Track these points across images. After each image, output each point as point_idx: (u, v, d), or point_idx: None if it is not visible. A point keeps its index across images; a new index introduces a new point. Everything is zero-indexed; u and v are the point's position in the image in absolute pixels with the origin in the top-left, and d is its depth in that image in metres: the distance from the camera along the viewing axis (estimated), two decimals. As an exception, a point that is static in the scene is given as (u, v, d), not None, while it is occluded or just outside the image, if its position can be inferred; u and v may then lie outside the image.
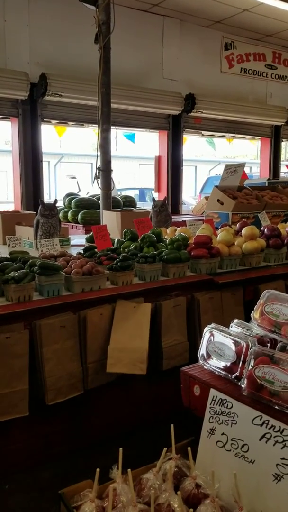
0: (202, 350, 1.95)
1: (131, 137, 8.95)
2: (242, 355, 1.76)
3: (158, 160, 8.05)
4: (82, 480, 1.74)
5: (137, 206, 7.18)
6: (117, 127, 7.50)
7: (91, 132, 7.92)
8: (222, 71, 8.16)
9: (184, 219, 5.78)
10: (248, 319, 2.08)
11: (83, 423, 2.88)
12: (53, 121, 6.92)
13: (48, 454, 2.75)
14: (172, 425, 1.75)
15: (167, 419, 1.91)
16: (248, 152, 20.78)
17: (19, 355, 2.49)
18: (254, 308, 1.99)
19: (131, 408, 3.05)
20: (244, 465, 1.60)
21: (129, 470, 1.61)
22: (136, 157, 19.70)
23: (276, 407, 1.59)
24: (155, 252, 3.22)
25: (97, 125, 5.20)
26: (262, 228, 3.91)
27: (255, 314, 1.95)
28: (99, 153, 5.17)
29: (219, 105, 7.82)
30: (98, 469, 1.60)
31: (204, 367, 1.92)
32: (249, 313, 2.06)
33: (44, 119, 6.54)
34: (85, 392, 2.75)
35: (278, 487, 1.51)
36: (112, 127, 5.34)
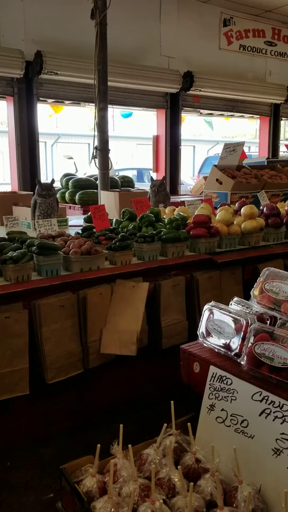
0: (202, 328, 1.95)
1: (128, 116, 8.83)
2: (242, 332, 1.77)
3: (156, 139, 7.96)
4: (83, 456, 1.75)
5: (135, 186, 7.13)
6: (114, 106, 7.40)
7: (88, 112, 7.82)
8: (220, 48, 8.01)
9: (182, 199, 5.75)
10: (247, 298, 2.08)
11: (84, 401, 2.91)
12: (49, 100, 6.81)
13: (49, 431, 2.78)
14: (172, 402, 1.76)
15: (167, 396, 1.92)
16: (247, 132, 20.58)
17: (19, 335, 2.49)
18: (254, 286, 1.98)
19: (131, 386, 3.08)
20: (243, 440, 1.62)
21: (129, 445, 1.62)
22: (134, 137, 19.50)
23: (276, 383, 1.60)
24: (154, 232, 3.21)
25: (94, 104, 5.13)
26: (261, 207, 3.89)
27: (254, 292, 1.95)
28: (96, 132, 5.10)
29: (217, 83, 7.69)
30: (99, 445, 1.62)
31: (204, 344, 1.92)
32: (248, 293, 2.06)
33: (40, 98, 6.43)
34: (86, 370, 2.77)
35: (278, 462, 1.52)
36: (109, 106, 5.26)
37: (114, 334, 2.79)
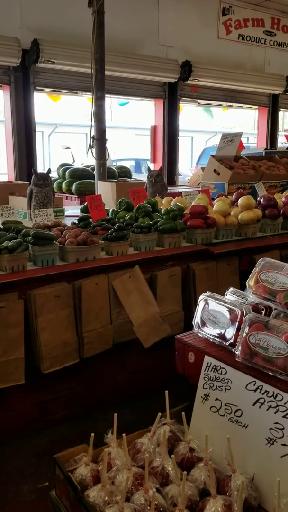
0: (197, 318, 1.94)
1: (124, 104, 8.77)
2: (237, 322, 1.76)
3: (154, 130, 7.92)
4: (78, 445, 1.76)
5: (133, 177, 7.10)
6: (111, 95, 7.35)
7: (86, 102, 7.74)
8: (219, 37, 7.95)
9: (180, 190, 5.73)
10: (243, 289, 2.07)
11: (79, 390, 2.91)
12: (46, 89, 6.76)
13: (44, 421, 2.79)
14: (166, 391, 1.76)
15: (162, 386, 1.92)
16: (245, 123, 20.48)
17: (14, 324, 2.49)
18: (249, 276, 1.97)
19: (126, 376, 3.09)
20: (237, 430, 1.62)
21: (123, 434, 1.63)
22: (132, 127, 19.38)
23: (270, 373, 1.60)
24: (151, 222, 3.20)
25: (91, 93, 5.09)
26: (258, 198, 3.88)
27: (250, 282, 1.94)
28: (93, 122, 5.07)
29: (216, 73, 7.64)
30: (92, 434, 1.62)
31: (199, 334, 1.92)
32: (244, 283, 2.05)
33: (37, 87, 6.38)
34: (81, 360, 2.77)
35: (271, 451, 1.53)
36: (106, 95, 5.23)
37: (143, 328, 2.88)
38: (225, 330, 1.81)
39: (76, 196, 5.90)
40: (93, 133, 5.09)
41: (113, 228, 3.05)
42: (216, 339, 1.84)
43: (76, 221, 3.37)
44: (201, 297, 1.96)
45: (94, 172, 5.35)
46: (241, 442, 1.59)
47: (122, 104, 8.82)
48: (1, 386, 2.49)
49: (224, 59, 7.92)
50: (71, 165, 7.06)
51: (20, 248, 2.60)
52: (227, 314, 1.83)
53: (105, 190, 4.70)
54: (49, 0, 6.13)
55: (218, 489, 1.52)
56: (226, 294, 2.03)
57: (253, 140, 14.28)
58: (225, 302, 1.88)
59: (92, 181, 5.63)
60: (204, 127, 21.26)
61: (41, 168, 7.80)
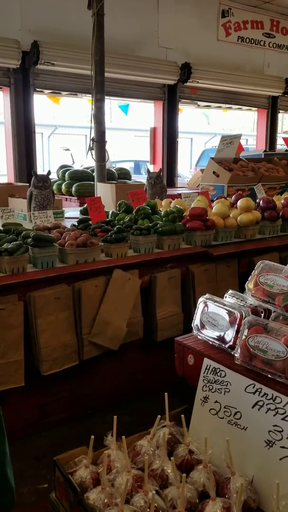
0: (196, 320, 1.95)
1: (125, 108, 8.78)
2: (236, 325, 1.77)
3: (153, 131, 7.93)
4: (77, 447, 1.76)
5: (132, 179, 7.11)
6: (111, 97, 7.35)
7: (85, 104, 7.75)
8: (218, 39, 7.96)
9: (179, 191, 5.74)
10: (242, 291, 2.08)
11: (79, 393, 2.92)
12: (46, 91, 6.77)
13: (44, 423, 2.79)
14: (166, 394, 1.76)
15: (161, 388, 1.92)
16: (244, 125, 20.50)
17: (14, 326, 2.49)
18: (249, 279, 1.98)
19: (126, 378, 3.09)
20: (236, 432, 1.63)
21: (123, 437, 1.63)
22: (131, 129, 19.39)
23: (269, 376, 1.60)
24: (150, 224, 3.21)
25: (90, 95, 5.10)
26: (257, 200, 3.89)
27: (249, 285, 1.95)
28: (92, 124, 5.08)
29: (215, 75, 7.65)
30: (92, 436, 1.62)
31: (198, 337, 1.93)
32: (244, 285, 2.06)
33: (37, 89, 6.39)
34: (81, 362, 2.78)
35: (270, 453, 1.53)
36: (106, 97, 5.24)
37: (104, 325, 2.80)
38: (225, 333, 1.82)
39: (76, 198, 5.90)
40: (92, 135, 5.10)
41: (113, 230, 3.06)
42: (216, 341, 1.85)
43: (75, 223, 3.37)
44: (201, 299, 1.96)
45: (94, 174, 5.36)
46: (240, 445, 1.60)
47: (123, 108, 8.81)
48: (1, 388, 2.50)
49: (224, 61, 7.93)
50: (71, 166, 7.07)
51: (20, 250, 2.61)
52: (227, 317, 1.83)
53: (104, 192, 4.71)
54: (49, 2, 6.14)
55: (217, 492, 1.52)
56: (226, 297, 2.04)
57: (252, 141, 14.31)
58: (225, 305, 1.89)
59: (92, 182, 5.64)
60: (203, 128, 21.28)
61: (40, 170, 7.82)
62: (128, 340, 2.93)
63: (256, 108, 9.22)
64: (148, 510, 1.41)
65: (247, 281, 1.98)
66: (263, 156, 5.94)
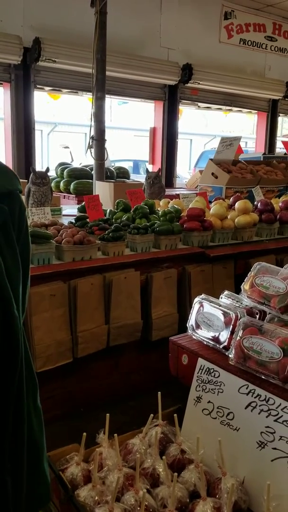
0: (191, 320, 1.95)
1: (123, 103, 8.77)
2: (231, 326, 1.77)
3: (153, 131, 7.93)
4: (69, 445, 1.76)
5: (131, 178, 7.11)
6: (111, 96, 7.35)
7: (86, 102, 7.75)
8: (220, 41, 7.97)
9: (177, 192, 5.74)
10: (238, 292, 2.08)
11: (72, 390, 2.91)
12: (47, 88, 6.76)
13: (36, 420, 2.78)
14: (159, 393, 1.76)
15: (155, 387, 1.92)
16: (244, 127, 20.54)
17: (9, 323, 2.48)
18: (245, 280, 1.98)
19: (119, 376, 3.09)
20: (229, 433, 1.63)
21: (115, 435, 1.63)
22: (131, 128, 19.40)
23: (263, 377, 1.60)
24: (148, 224, 3.21)
25: (91, 93, 5.09)
26: (255, 203, 3.90)
27: (245, 286, 1.95)
28: (92, 122, 5.07)
29: (216, 77, 7.66)
30: (84, 434, 1.62)
31: (193, 337, 1.93)
32: (239, 287, 2.06)
33: (37, 86, 6.38)
34: (75, 360, 2.77)
35: (262, 454, 1.54)
36: (106, 95, 5.24)
37: (120, 329, 2.91)
38: (219, 333, 1.82)
39: (74, 196, 5.89)
40: (92, 133, 5.09)
41: (110, 228, 3.05)
42: (210, 341, 1.85)
43: (73, 221, 3.37)
44: (196, 299, 1.97)
45: (93, 172, 5.35)
46: (232, 445, 1.60)
47: (121, 103, 8.81)
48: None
49: (225, 63, 7.95)
50: (70, 164, 7.06)
51: (16, 246, 2.60)
52: (222, 317, 1.83)
53: (103, 190, 4.71)
54: (52, -1, 6.13)
55: (208, 491, 1.52)
56: (221, 297, 2.04)
57: (251, 144, 14.34)
58: (220, 305, 1.89)
59: (90, 181, 5.63)
60: (203, 130, 21.31)
61: (39, 167, 7.80)
62: (125, 342, 2.94)
63: (256, 111, 9.24)
64: (138, 508, 1.41)
65: (243, 282, 1.98)
66: (262, 159, 5.96)
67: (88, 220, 3.33)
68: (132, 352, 3.04)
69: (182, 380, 1.90)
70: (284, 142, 6.90)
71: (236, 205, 3.62)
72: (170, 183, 7.77)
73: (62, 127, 19.50)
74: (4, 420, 0.91)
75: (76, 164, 7.42)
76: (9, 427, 0.92)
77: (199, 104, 8.45)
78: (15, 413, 0.93)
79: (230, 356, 1.71)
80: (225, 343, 1.78)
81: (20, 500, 0.95)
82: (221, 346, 1.79)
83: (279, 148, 9.39)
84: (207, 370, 1.73)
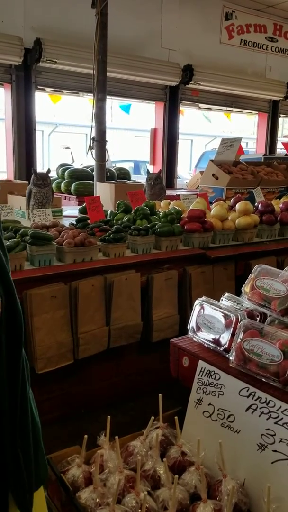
0: (192, 323, 1.96)
1: (126, 108, 8.78)
2: (232, 328, 1.77)
3: (154, 132, 7.93)
4: (70, 446, 1.76)
5: (132, 179, 7.11)
6: (112, 97, 7.36)
7: (86, 102, 7.76)
8: (221, 42, 7.97)
9: (178, 193, 5.74)
10: (239, 293, 2.09)
11: (73, 392, 2.91)
12: (47, 89, 6.76)
13: (37, 421, 2.79)
14: (160, 395, 1.77)
15: (156, 389, 1.93)
16: (245, 128, 20.53)
17: (10, 324, 2.49)
18: (245, 283, 1.99)
19: (120, 378, 3.09)
20: (229, 435, 1.63)
21: (116, 437, 1.64)
22: (132, 129, 19.40)
23: (263, 380, 1.61)
24: (148, 225, 3.21)
25: (92, 94, 5.10)
26: (256, 204, 3.90)
27: (246, 288, 1.96)
28: (93, 123, 5.08)
29: (217, 77, 7.66)
30: (85, 436, 1.63)
31: (194, 339, 1.93)
32: (240, 288, 2.06)
33: (38, 87, 6.38)
34: (75, 361, 2.77)
35: (262, 457, 1.54)
36: (107, 97, 5.24)
37: (120, 330, 2.91)
38: (220, 336, 1.83)
39: (75, 197, 5.89)
40: (93, 134, 5.10)
41: (111, 229, 3.06)
42: (211, 344, 1.85)
43: (74, 222, 3.37)
44: (197, 301, 1.97)
45: (93, 173, 5.36)
46: (233, 448, 1.61)
47: (124, 108, 8.80)
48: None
49: (226, 64, 7.95)
50: (71, 165, 7.06)
51: (18, 247, 2.60)
52: (222, 320, 1.84)
53: (104, 191, 4.71)
54: (53, 0, 6.13)
55: (209, 494, 1.53)
56: (222, 300, 2.05)
57: (252, 145, 14.34)
58: (221, 308, 1.89)
59: (91, 182, 5.64)
60: (203, 130, 21.31)
61: (40, 168, 7.81)
62: (126, 343, 2.94)
63: (256, 112, 9.24)
64: (139, 510, 1.42)
65: (244, 285, 1.99)
66: (262, 160, 5.96)
67: (89, 221, 3.34)
68: (132, 354, 3.04)
69: (183, 382, 1.90)
70: (284, 144, 6.91)
71: (237, 206, 3.63)
72: (171, 184, 7.77)
73: (63, 128, 19.51)
74: (15, 400, 1.05)
75: (77, 165, 7.43)
76: (18, 407, 1.06)
77: (200, 105, 8.45)
78: (22, 394, 1.07)
79: (230, 358, 1.71)
80: (226, 346, 1.78)
81: (30, 470, 1.09)
82: (221, 349, 1.80)
83: (280, 149, 9.39)
84: (208, 372, 1.73)
